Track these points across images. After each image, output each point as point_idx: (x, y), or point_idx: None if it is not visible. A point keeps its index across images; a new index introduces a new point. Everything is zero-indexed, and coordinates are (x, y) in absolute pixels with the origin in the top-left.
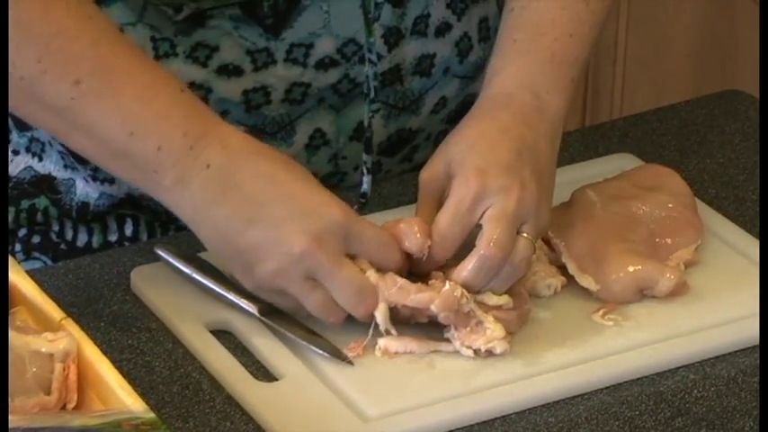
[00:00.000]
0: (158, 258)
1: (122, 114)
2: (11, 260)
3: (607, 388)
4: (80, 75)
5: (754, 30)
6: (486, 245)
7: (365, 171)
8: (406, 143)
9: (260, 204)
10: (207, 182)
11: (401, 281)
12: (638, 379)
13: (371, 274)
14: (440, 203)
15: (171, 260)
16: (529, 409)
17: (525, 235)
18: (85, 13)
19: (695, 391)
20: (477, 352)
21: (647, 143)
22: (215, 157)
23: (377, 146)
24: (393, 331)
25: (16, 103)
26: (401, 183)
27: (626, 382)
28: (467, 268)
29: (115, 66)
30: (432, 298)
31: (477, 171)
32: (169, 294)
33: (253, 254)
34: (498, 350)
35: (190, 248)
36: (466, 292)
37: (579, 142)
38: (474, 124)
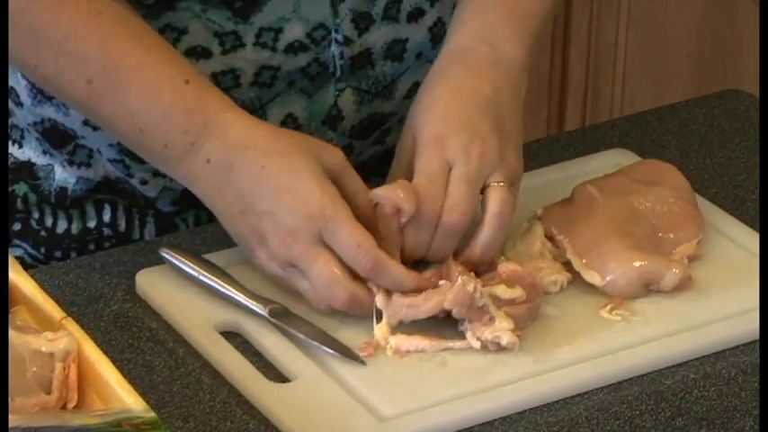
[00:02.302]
0: (161, 259)
1: (131, 113)
2: (11, 259)
3: (608, 387)
4: (91, 74)
5: (754, 29)
6: (447, 210)
7: None
8: (378, 126)
9: (249, 197)
10: (208, 176)
11: (407, 299)
12: (638, 378)
13: (379, 298)
14: (411, 172)
15: (177, 262)
16: (529, 408)
17: (497, 183)
18: (95, 9)
19: (695, 391)
20: (485, 345)
21: (648, 142)
22: (214, 152)
23: (349, 129)
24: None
25: (48, 92)
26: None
27: (626, 381)
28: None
29: (122, 62)
30: (440, 302)
31: (435, 138)
32: (176, 297)
33: (250, 240)
34: (504, 341)
35: (194, 249)
36: (480, 287)
37: (579, 142)
38: (430, 87)
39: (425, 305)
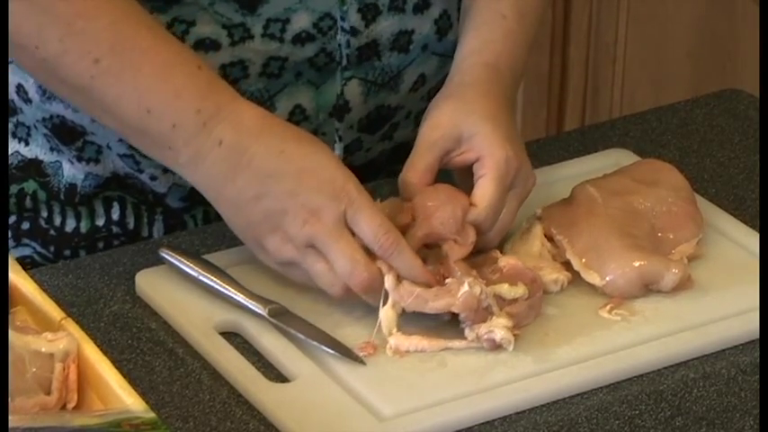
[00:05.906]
0: (160, 259)
1: (139, 92)
2: (11, 260)
3: (607, 387)
4: (99, 53)
5: (754, 29)
6: (496, 232)
7: (337, 139)
8: (386, 121)
9: (268, 179)
10: (219, 158)
11: (417, 289)
12: (638, 378)
13: (389, 279)
14: (439, 161)
15: (176, 263)
16: (529, 408)
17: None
18: None
19: (695, 390)
20: (480, 339)
21: (647, 142)
22: (227, 134)
23: (357, 122)
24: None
25: (40, 81)
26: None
27: (626, 380)
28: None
29: (134, 44)
30: (450, 304)
31: (515, 155)
32: (176, 297)
33: (262, 226)
34: (498, 336)
35: (194, 250)
36: (485, 288)
37: (579, 141)
38: (482, 94)
39: (434, 303)
